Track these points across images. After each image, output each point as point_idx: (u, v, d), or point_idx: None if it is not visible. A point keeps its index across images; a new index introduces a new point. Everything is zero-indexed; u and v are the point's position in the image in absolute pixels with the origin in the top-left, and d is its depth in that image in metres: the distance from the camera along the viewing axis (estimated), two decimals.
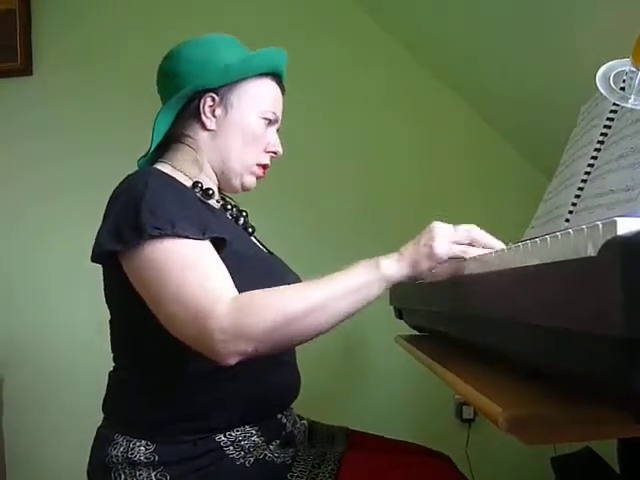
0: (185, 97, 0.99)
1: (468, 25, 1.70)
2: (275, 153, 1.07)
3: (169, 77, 1.02)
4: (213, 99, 1.00)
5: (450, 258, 0.77)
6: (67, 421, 1.97)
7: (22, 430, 1.99)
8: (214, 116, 1.01)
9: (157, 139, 1.01)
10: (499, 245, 0.79)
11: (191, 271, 0.80)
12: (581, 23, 1.32)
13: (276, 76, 1.06)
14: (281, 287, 0.81)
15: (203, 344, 0.77)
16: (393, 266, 0.78)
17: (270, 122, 1.05)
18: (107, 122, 2.01)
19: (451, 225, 0.80)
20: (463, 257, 0.76)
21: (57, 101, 2.08)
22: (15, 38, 2.08)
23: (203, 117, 1.00)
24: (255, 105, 1.02)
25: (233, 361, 0.77)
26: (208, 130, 1.01)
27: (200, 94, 0.99)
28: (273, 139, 1.06)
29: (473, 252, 0.76)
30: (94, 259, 0.89)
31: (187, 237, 0.81)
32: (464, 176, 2.03)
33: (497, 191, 2.00)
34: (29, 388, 2.02)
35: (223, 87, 1.00)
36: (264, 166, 1.06)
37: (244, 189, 1.07)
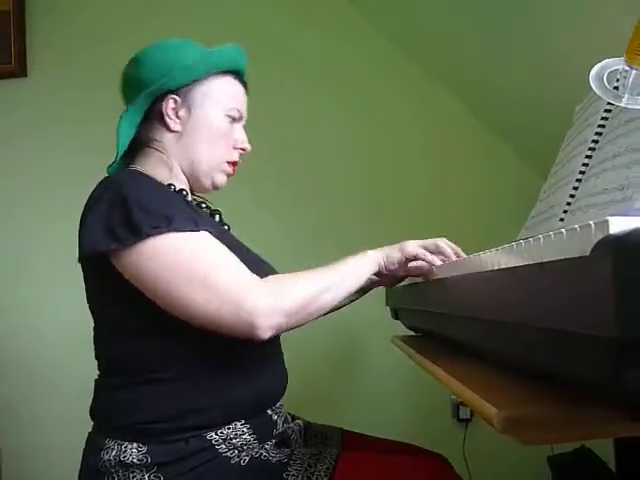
0: (147, 101, 1.00)
1: (465, 28, 1.71)
2: (243, 149, 1.08)
3: (131, 83, 1.03)
4: (175, 101, 1.00)
5: (416, 259, 0.99)
6: (60, 423, 1.96)
7: (16, 432, 1.98)
8: (178, 117, 1.01)
9: (123, 145, 1.01)
10: (459, 256, 0.99)
11: (213, 260, 0.84)
12: (575, 23, 1.32)
13: (237, 74, 1.07)
14: (302, 272, 0.92)
15: (242, 322, 0.81)
16: (374, 253, 1.00)
17: (235, 119, 1.05)
18: (102, 123, 2.00)
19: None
20: (424, 260, 0.98)
21: (51, 102, 2.08)
22: (9, 39, 2.07)
23: (167, 119, 1.00)
24: (218, 103, 1.03)
25: (268, 335, 0.82)
26: (173, 132, 1.02)
27: (162, 97, 1.00)
28: (240, 136, 1.07)
29: (431, 258, 0.98)
30: (83, 259, 0.89)
31: (185, 230, 0.83)
32: (463, 177, 2.03)
33: (495, 191, 2.01)
34: (24, 391, 2.01)
35: (184, 88, 1.01)
36: (233, 163, 1.07)
37: (215, 188, 1.07)
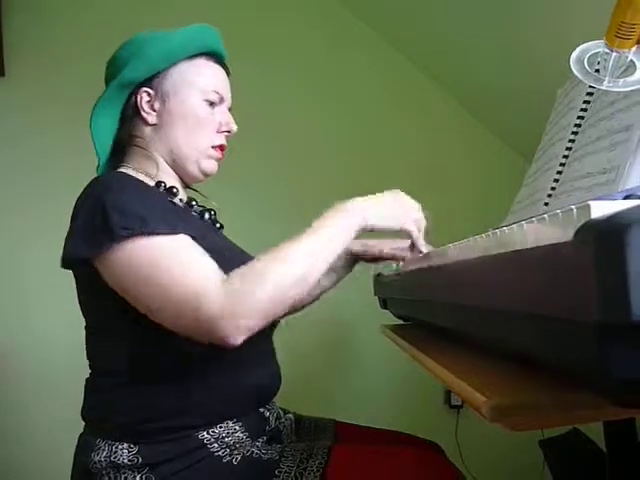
0: (117, 96, 0.98)
1: (456, 25, 1.72)
2: (229, 132, 1.05)
3: (105, 80, 1.02)
4: (149, 93, 0.99)
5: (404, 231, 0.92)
6: (49, 424, 1.95)
7: (15, 434, 1.97)
8: (154, 110, 0.99)
9: (102, 146, 1.00)
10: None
11: (175, 263, 0.79)
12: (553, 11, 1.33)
13: (212, 55, 1.04)
14: (266, 256, 0.80)
15: (205, 330, 0.76)
16: (360, 215, 0.87)
17: (214, 103, 1.02)
18: (83, 126, 1.97)
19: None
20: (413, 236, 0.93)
21: (31, 103, 2.04)
22: None
23: (143, 113, 0.99)
24: (192, 88, 1.00)
25: (240, 340, 0.76)
26: (151, 125, 1.00)
27: (136, 91, 0.99)
28: (224, 119, 1.04)
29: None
30: (65, 265, 0.88)
31: (159, 233, 0.80)
32: (456, 171, 2.05)
33: (487, 179, 2.01)
34: (22, 393, 2.00)
35: (156, 79, 0.99)
36: (220, 147, 1.04)
37: (205, 175, 1.04)
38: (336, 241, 0.83)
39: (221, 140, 1.04)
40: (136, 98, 0.99)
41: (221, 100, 1.03)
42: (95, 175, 0.97)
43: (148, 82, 0.99)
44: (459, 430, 1.93)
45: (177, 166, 1.02)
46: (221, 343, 0.77)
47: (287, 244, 0.81)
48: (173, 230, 0.82)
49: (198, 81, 1.00)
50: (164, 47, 0.98)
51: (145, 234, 0.79)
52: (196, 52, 1.01)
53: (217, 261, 0.85)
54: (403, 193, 0.95)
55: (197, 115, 1.00)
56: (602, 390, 0.37)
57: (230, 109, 1.06)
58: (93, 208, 0.83)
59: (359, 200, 0.87)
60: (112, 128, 1.00)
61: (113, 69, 1.00)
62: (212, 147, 1.02)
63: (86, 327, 0.96)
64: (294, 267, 0.79)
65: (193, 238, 0.85)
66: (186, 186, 1.08)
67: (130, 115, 1.00)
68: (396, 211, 0.90)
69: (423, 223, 0.95)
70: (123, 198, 0.83)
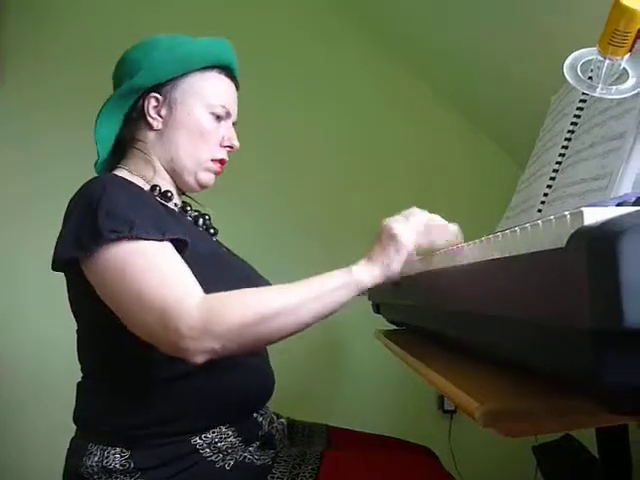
0: (125, 100, 0.99)
1: (452, 31, 1.73)
2: (231, 147, 1.05)
3: (113, 82, 1.02)
4: (157, 99, 0.99)
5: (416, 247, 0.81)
6: (47, 426, 1.93)
7: (4, 434, 1.96)
8: (160, 116, 1.00)
9: (103, 145, 1.00)
10: (451, 225, 0.86)
11: (153, 271, 0.78)
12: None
13: (225, 69, 1.04)
14: (253, 288, 0.80)
15: (170, 342, 0.75)
16: (363, 270, 0.81)
17: (220, 117, 1.02)
18: (81, 129, 1.96)
19: (400, 216, 0.83)
20: (428, 244, 0.81)
21: (29, 107, 2.02)
22: None
23: (149, 118, 0.99)
24: (200, 100, 1.00)
25: (201, 359, 0.76)
26: (155, 130, 1.00)
27: (145, 95, 0.99)
28: (228, 133, 1.04)
29: (435, 236, 0.81)
30: (54, 267, 0.88)
31: (146, 238, 0.80)
32: (455, 178, 2.05)
33: (483, 184, 2.02)
34: (11, 393, 1.98)
35: (166, 86, 0.99)
36: (220, 161, 1.04)
37: (201, 186, 1.04)
38: (324, 299, 0.80)
39: (222, 154, 1.04)
40: (143, 102, 0.99)
41: (227, 115, 1.04)
42: (92, 177, 0.97)
43: (157, 88, 0.99)
44: (452, 435, 1.93)
45: (175, 174, 1.02)
46: (183, 358, 0.76)
47: (276, 287, 0.81)
48: (160, 237, 0.81)
49: (208, 94, 1.01)
50: (178, 56, 0.98)
51: (132, 238, 0.79)
52: (209, 65, 1.01)
53: (208, 267, 0.85)
54: (387, 222, 0.83)
55: (202, 127, 1.00)
56: (596, 397, 0.37)
57: (234, 124, 1.07)
58: (84, 210, 0.83)
59: (355, 265, 0.82)
60: (115, 128, 1.01)
61: (124, 70, 1.00)
62: (212, 160, 1.03)
63: (77, 330, 0.96)
64: (275, 306, 0.77)
65: (184, 242, 0.85)
66: (182, 192, 1.07)
67: (135, 118, 1.00)
68: (390, 256, 0.80)
69: (422, 221, 0.83)
70: (114, 201, 0.83)
